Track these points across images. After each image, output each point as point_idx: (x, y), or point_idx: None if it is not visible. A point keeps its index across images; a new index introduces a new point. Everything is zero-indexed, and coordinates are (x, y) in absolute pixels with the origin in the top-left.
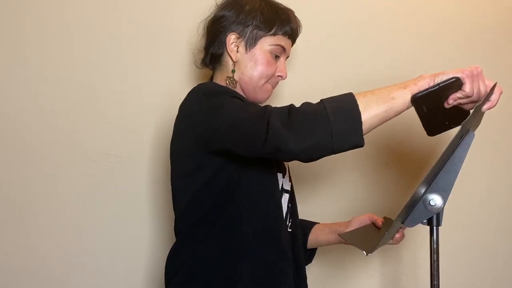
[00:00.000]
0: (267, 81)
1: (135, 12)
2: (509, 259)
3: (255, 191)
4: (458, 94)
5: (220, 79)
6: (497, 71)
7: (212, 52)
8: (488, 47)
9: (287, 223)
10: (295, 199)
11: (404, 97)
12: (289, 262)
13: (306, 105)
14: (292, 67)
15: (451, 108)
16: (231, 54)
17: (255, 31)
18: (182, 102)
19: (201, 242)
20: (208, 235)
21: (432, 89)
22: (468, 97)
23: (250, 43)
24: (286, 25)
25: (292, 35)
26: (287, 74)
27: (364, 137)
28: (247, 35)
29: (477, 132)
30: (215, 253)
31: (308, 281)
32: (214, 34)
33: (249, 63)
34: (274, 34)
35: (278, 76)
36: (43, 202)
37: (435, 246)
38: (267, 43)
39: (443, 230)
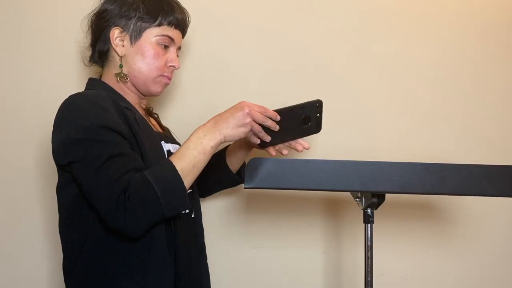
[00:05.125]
0: (161, 74)
1: (21, 13)
2: None
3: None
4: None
5: (109, 76)
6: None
7: (98, 49)
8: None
9: (188, 211)
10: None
11: (205, 162)
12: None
13: (137, 188)
14: None
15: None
16: (117, 49)
17: (139, 23)
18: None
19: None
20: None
21: None
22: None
23: (135, 36)
24: (171, 15)
25: (179, 25)
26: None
27: None
28: (131, 28)
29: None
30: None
31: None
32: (99, 30)
33: (135, 56)
34: (159, 25)
35: (170, 66)
36: None
37: (369, 243)
38: (152, 34)
39: None
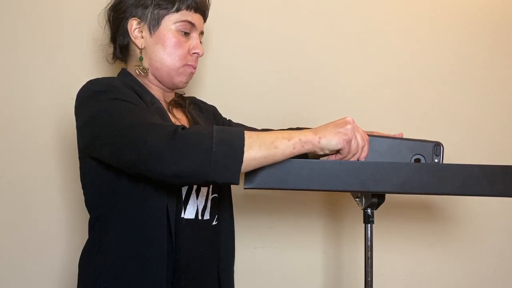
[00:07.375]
0: (185, 64)
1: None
2: None
3: (128, 212)
4: (336, 157)
5: (132, 71)
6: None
7: (119, 44)
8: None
9: (207, 217)
10: (227, 190)
11: (285, 149)
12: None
13: (195, 129)
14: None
15: None
16: (136, 41)
17: (156, 11)
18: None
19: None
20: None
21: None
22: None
23: (153, 25)
24: None
25: (199, 8)
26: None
27: None
28: (149, 17)
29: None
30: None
31: None
32: (116, 23)
33: (156, 47)
34: (177, 10)
35: (194, 53)
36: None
37: (369, 243)
38: (171, 21)
39: None
